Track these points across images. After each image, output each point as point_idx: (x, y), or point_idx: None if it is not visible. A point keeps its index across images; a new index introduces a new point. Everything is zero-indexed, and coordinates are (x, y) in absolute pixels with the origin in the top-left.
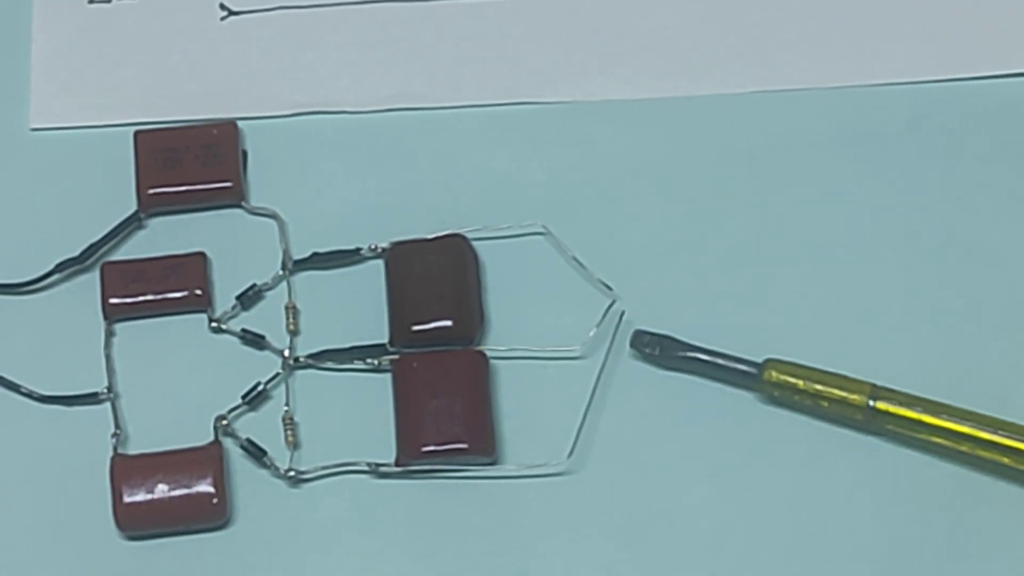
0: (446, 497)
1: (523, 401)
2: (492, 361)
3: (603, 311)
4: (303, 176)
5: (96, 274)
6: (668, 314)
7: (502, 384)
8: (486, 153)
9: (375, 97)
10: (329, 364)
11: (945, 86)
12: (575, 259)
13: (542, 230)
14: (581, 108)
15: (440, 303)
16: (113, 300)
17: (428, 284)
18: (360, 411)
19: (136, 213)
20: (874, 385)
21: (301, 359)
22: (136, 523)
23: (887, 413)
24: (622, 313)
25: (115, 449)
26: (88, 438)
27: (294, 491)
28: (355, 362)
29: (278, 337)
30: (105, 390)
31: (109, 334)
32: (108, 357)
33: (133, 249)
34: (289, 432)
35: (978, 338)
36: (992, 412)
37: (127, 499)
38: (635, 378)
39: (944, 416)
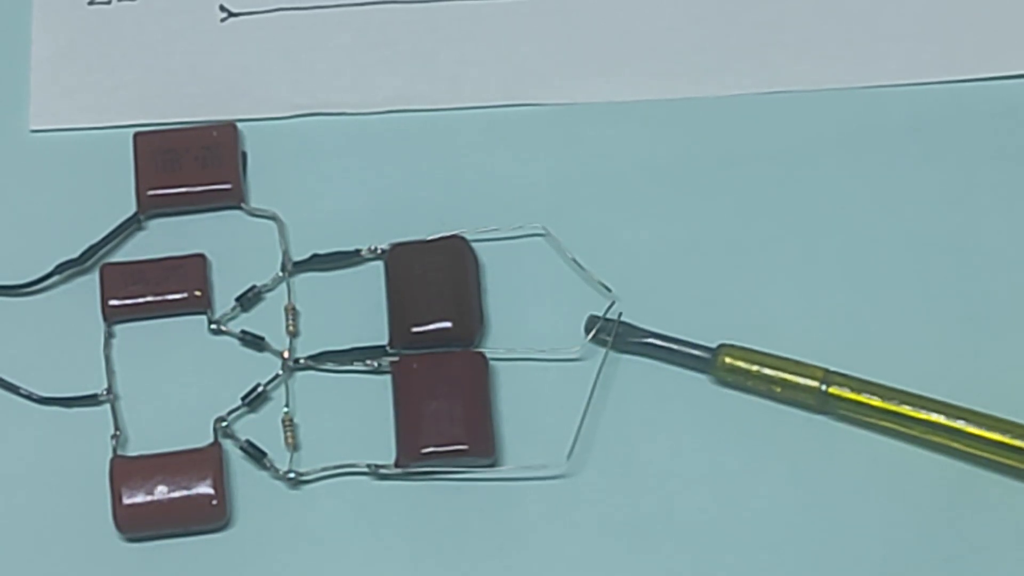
0: (446, 498)
1: (523, 402)
2: (492, 362)
3: (602, 312)
4: (303, 178)
5: (96, 275)
6: (667, 315)
7: (502, 385)
8: (486, 154)
9: (375, 98)
10: (329, 365)
11: (947, 88)
12: (575, 260)
13: (542, 231)
14: (581, 109)
15: (439, 304)
16: (113, 301)
17: (428, 285)
18: (360, 412)
19: (136, 215)
20: (826, 370)
21: (301, 360)
22: (136, 525)
23: (839, 398)
24: (620, 314)
25: (115, 450)
26: (87, 439)
27: (294, 492)
28: (355, 363)
29: (278, 338)
30: (105, 391)
31: (109, 335)
32: (108, 358)
33: (133, 251)
34: (289, 434)
35: (980, 339)
36: (991, 412)
37: (127, 501)
38: (634, 379)
39: (896, 401)
